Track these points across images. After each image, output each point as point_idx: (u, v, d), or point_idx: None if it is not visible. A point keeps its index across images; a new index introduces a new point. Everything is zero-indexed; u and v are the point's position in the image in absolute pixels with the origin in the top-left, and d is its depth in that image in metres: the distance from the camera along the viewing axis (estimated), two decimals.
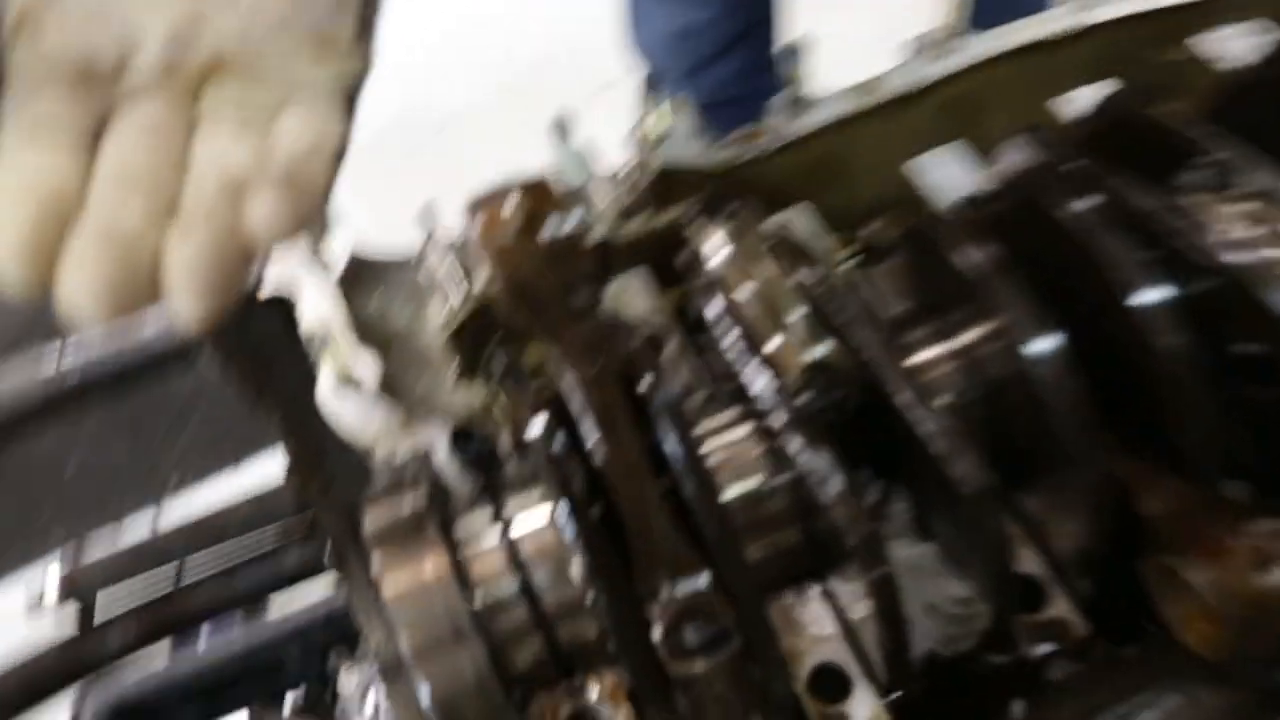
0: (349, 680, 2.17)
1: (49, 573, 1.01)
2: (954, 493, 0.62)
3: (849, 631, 0.70)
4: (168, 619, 1.02)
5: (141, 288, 0.55)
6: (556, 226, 0.60)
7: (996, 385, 0.68)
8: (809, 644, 0.69)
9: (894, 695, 0.68)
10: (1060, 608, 0.68)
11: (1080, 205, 0.66)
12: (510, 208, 0.59)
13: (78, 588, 1.00)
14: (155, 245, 0.56)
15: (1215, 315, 0.68)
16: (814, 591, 0.71)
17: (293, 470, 1.02)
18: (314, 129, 0.61)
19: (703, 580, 0.63)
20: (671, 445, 0.63)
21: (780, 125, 0.92)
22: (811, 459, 0.63)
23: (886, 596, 0.62)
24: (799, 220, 0.83)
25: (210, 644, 2.20)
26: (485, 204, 0.60)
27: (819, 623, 0.70)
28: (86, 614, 1.01)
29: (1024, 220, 0.72)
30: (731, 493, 0.68)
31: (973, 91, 0.95)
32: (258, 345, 0.90)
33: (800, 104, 0.92)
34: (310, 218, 0.61)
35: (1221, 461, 0.63)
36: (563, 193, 0.62)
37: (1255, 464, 0.69)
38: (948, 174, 0.86)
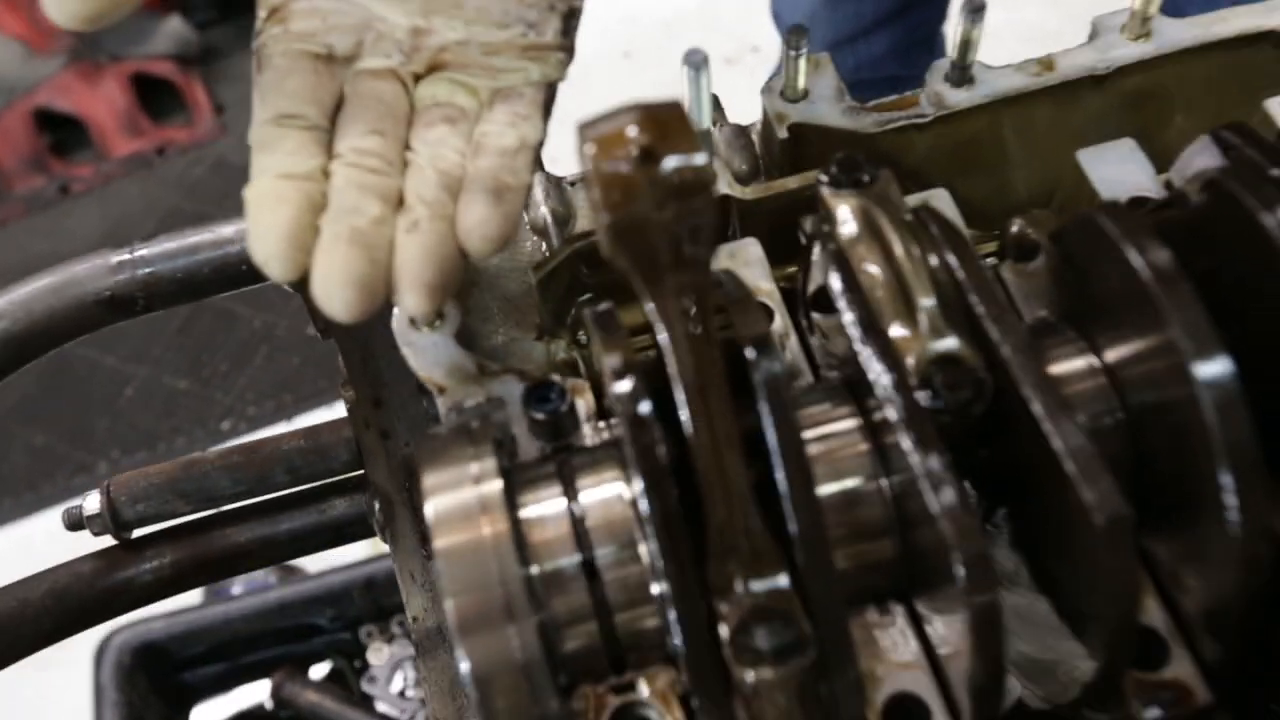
0: (379, 654, 2.21)
1: (89, 497, 1.04)
2: (1081, 521, 0.59)
3: (933, 661, 0.67)
4: (206, 552, 1.04)
5: (381, 279, 0.68)
6: (682, 161, 0.58)
7: (1151, 409, 0.65)
8: (888, 669, 0.67)
9: None
10: (1183, 669, 0.64)
11: None
12: (632, 132, 0.58)
13: (117, 502, 1.02)
14: (390, 239, 0.69)
15: None
16: (899, 612, 0.69)
17: (353, 407, 1.03)
18: (517, 127, 0.73)
19: (782, 579, 0.61)
20: (769, 426, 0.62)
21: (939, 94, 0.89)
22: (924, 462, 0.61)
23: (988, 625, 0.59)
24: (936, 202, 0.80)
25: (244, 596, 2.27)
26: (603, 125, 0.58)
27: (901, 647, 0.68)
28: (124, 531, 1.04)
29: (1213, 227, 0.68)
30: (828, 489, 0.66)
31: (1164, 85, 0.91)
32: None
33: (965, 73, 0.89)
34: (518, 219, 0.71)
35: None
36: (693, 124, 0.60)
37: None
38: (1122, 170, 0.82)
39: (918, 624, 0.69)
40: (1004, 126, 0.90)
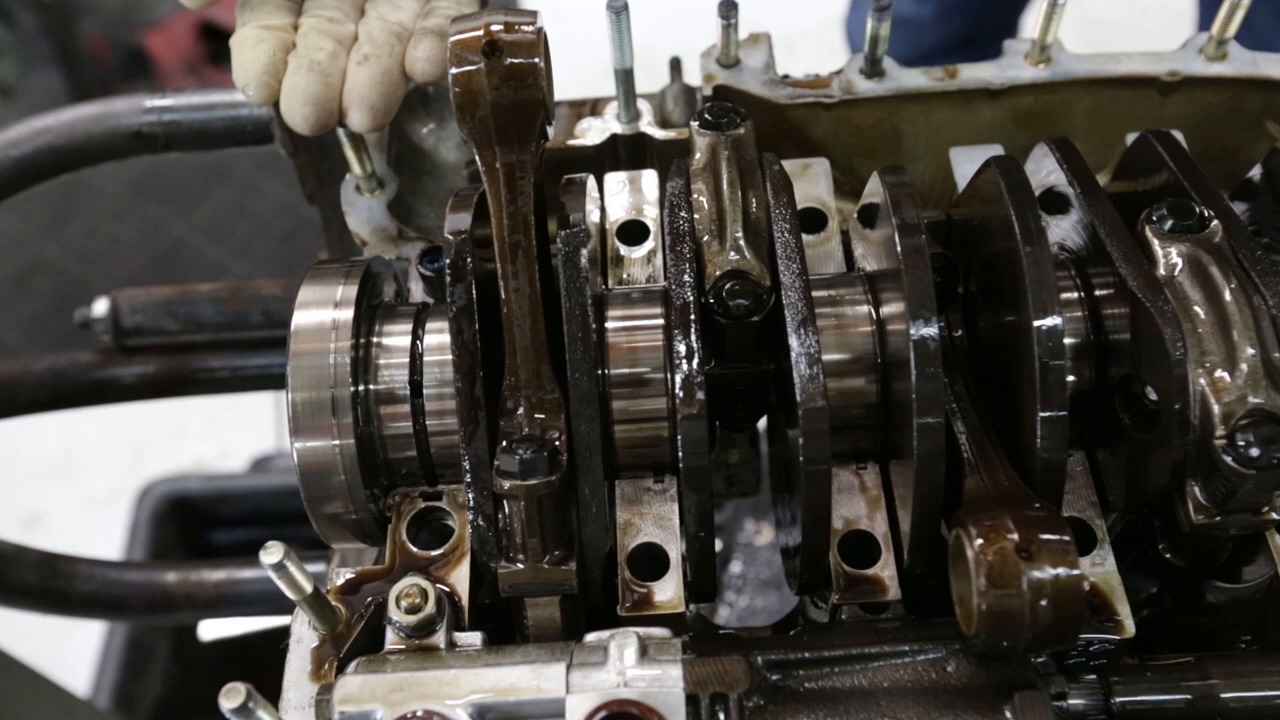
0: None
1: (99, 302, 1.21)
2: (796, 414, 0.69)
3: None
4: (184, 369, 1.20)
5: (334, 99, 0.85)
6: (516, 55, 0.71)
7: (894, 354, 0.75)
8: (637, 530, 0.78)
9: None
10: (885, 570, 0.74)
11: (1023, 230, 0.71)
12: (485, 30, 0.70)
13: (120, 310, 1.19)
14: (343, 69, 0.85)
15: (1122, 346, 0.73)
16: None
17: (328, 251, 1.18)
18: (460, 6, 0.89)
19: (551, 416, 0.73)
20: (563, 292, 0.73)
21: (849, 81, 1.00)
22: (684, 344, 0.72)
23: (699, 492, 0.70)
24: (815, 169, 0.91)
25: (271, 473, 2.44)
26: (467, 22, 0.71)
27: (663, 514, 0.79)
28: (121, 338, 1.20)
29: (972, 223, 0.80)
30: (619, 370, 0.77)
31: (1055, 108, 1.00)
32: None
33: (875, 66, 0.99)
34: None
35: (1056, 474, 0.68)
36: (534, 32, 0.72)
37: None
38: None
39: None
40: (903, 120, 0.99)
